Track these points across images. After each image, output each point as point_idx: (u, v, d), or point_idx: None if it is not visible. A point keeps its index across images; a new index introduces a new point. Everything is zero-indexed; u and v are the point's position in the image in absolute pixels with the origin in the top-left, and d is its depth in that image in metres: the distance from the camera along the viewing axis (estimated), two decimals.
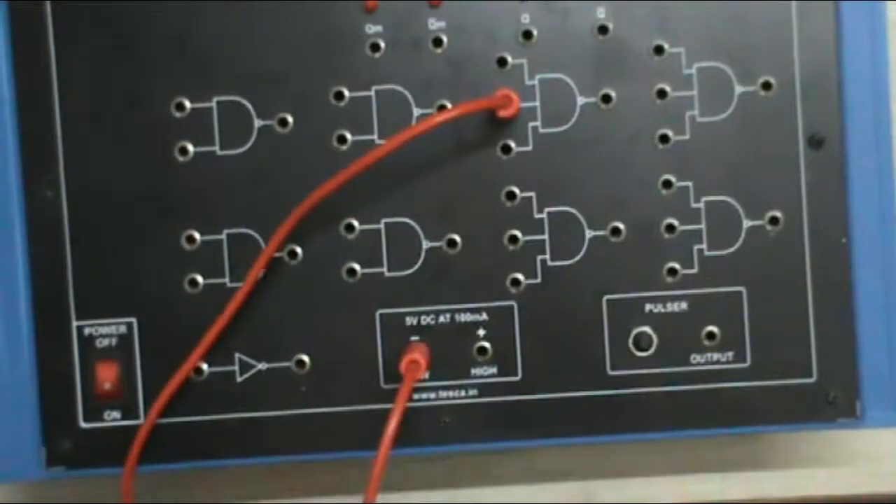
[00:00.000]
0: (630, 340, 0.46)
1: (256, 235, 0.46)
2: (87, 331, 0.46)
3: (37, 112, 0.46)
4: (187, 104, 0.46)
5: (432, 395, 0.46)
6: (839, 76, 0.45)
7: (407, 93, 0.46)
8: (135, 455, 0.45)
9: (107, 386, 0.46)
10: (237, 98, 0.46)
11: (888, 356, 0.45)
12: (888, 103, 0.46)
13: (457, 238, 0.46)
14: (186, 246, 0.46)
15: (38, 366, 0.46)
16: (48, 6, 0.46)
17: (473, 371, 0.46)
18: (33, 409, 0.46)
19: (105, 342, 0.46)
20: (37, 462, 0.46)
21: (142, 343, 0.46)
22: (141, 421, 0.46)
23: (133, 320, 0.46)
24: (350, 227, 0.46)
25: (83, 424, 0.46)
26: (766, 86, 0.46)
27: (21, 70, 0.46)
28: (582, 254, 0.46)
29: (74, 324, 0.46)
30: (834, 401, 0.45)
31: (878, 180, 0.46)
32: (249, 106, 0.46)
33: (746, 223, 0.46)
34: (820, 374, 0.46)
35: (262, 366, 0.46)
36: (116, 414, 0.46)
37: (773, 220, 0.46)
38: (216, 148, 0.46)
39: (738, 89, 0.46)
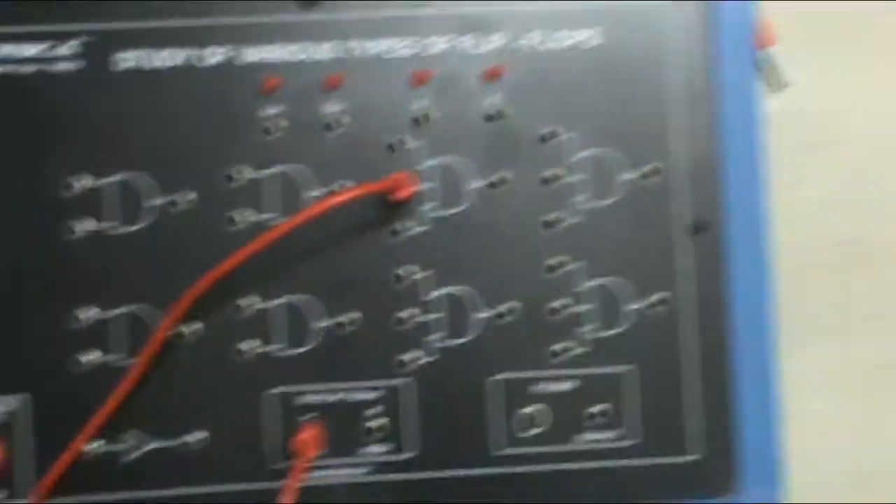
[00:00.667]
0: (517, 420, 0.47)
1: (151, 312, 0.46)
2: None
3: None
4: (79, 183, 0.46)
5: (325, 474, 0.46)
6: (720, 164, 0.47)
7: (303, 173, 0.47)
8: None
9: None
10: (130, 176, 0.46)
11: (765, 435, 0.47)
12: (765, 189, 0.48)
13: (351, 317, 0.47)
14: (77, 324, 0.46)
15: None
16: None
17: (367, 449, 0.47)
18: None
19: None
20: None
21: (32, 420, 0.46)
22: (28, 501, 0.45)
23: (24, 396, 0.46)
24: (244, 306, 0.46)
25: None
26: (652, 172, 0.47)
27: None
28: (473, 334, 0.47)
29: None
30: (716, 478, 0.47)
31: (758, 264, 0.48)
32: (143, 185, 0.46)
33: (633, 305, 0.47)
34: (702, 452, 0.47)
35: (154, 444, 0.46)
36: (3, 493, 0.46)
37: (659, 302, 0.47)
38: (109, 225, 0.46)
39: (625, 175, 0.47)
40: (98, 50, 0.46)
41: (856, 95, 0.54)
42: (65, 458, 0.45)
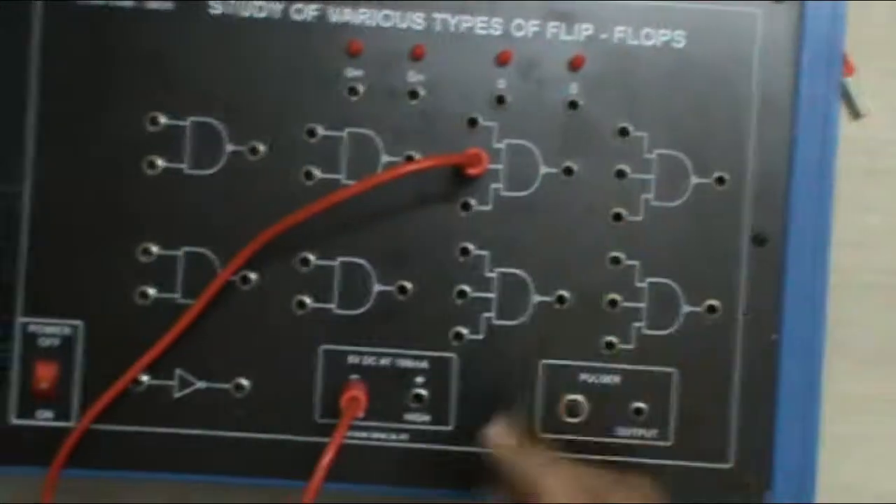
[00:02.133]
0: (561, 406, 0.47)
1: (213, 256, 0.47)
2: (31, 328, 0.47)
3: (12, 105, 0.46)
4: (162, 120, 0.47)
5: (364, 435, 0.47)
6: (788, 181, 0.48)
7: (379, 138, 0.47)
8: (62, 456, 0.45)
9: (43, 385, 0.46)
10: (212, 120, 0.47)
11: (801, 451, 0.47)
12: (829, 209, 0.48)
13: (408, 285, 0.47)
14: (143, 258, 0.47)
15: None
16: (38, 6, 0.46)
17: (407, 416, 0.47)
18: None
19: (48, 342, 0.47)
20: None
21: (85, 347, 0.47)
22: (73, 424, 0.46)
23: (79, 324, 0.47)
24: (305, 261, 0.47)
25: (14, 420, 0.46)
26: (720, 180, 0.48)
27: (3, 64, 0.46)
28: (526, 316, 0.47)
29: (19, 319, 0.47)
30: (746, 487, 0.47)
31: (812, 283, 0.48)
32: (223, 130, 0.47)
33: (685, 308, 0.48)
34: (736, 461, 0.47)
35: (201, 384, 0.47)
36: (49, 414, 0.47)
37: (711, 309, 0.48)
38: (185, 166, 0.47)
39: (694, 180, 0.48)
40: None
41: None
42: (114, 387, 0.46)
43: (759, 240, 0.48)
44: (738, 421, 0.48)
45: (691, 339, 0.48)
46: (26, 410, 0.46)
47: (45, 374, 0.46)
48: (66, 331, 0.47)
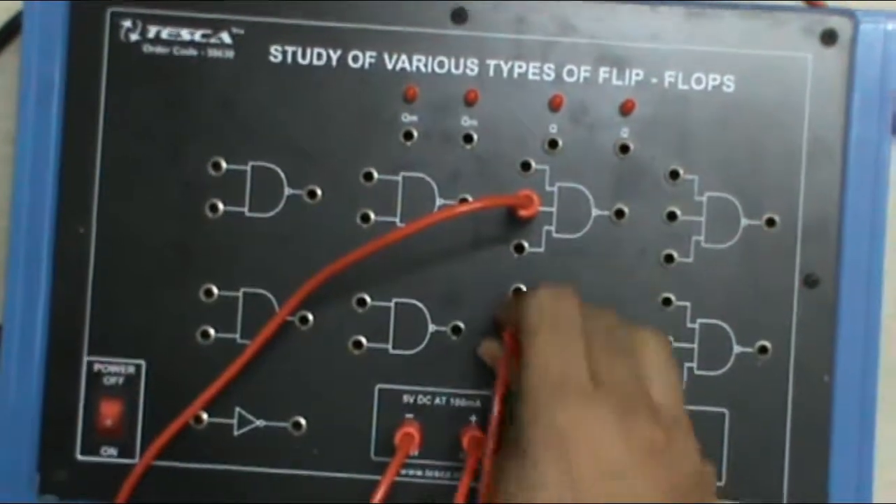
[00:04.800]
0: None
1: (271, 297, 0.48)
2: (96, 367, 0.48)
3: (80, 150, 0.48)
4: (223, 164, 0.48)
5: (419, 473, 0.48)
6: (840, 222, 0.48)
7: (433, 182, 0.48)
8: (126, 492, 0.47)
9: (108, 422, 0.48)
10: (272, 165, 0.48)
11: (856, 492, 0.47)
12: (882, 251, 0.48)
13: (461, 325, 0.48)
14: (204, 298, 0.48)
15: (44, 394, 0.48)
16: (105, 52, 0.48)
17: (462, 455, 0.48)
18: (34, 436, 0.47)
19: (112, 380, 0.48)
20: (30, 488, 0.47)
21: (147, 385, 0.48)
22: (136, 460, 0.47)
23: (142, 362, 0.48)
24: (362, 302, 0.48)
25: (80, 457, 0.48)
26: (770, 222, 0.48)
27: (71, 108, 0.48)
28: None
29: (85, 358, 0.48)
30: None
31: (865, 325, 0.48)
32: (282, 174, 0.48)
33: (737, 349, 0.48)
34: (790, 501, 0.48)
35: (259, 423, 0.48)
36: (113, 451, 0.48)
37: (762, 350, 0.48)
38: (245, 209, 0.48)
39: (744, 222, 0.48)
40: (254, 41, 0.48)
41: None
42: (175, 424, 0.47)
43: (810, 281, 0.48)
44: (791, 461, 0.48)
45: (743, 380, 0.48)
46: (91, 447, 0.48)
47: (110, 411, 0.48)
48: (130, 370, 0.48)
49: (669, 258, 0.48)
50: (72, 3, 0.48)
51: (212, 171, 0.48)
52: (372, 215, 0.48)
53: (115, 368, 0.48)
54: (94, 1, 0.48)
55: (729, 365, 0.48)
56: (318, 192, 0.48)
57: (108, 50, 0.48)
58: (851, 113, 0.48)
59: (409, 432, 0.46)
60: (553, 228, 0.48)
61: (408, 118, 0.48)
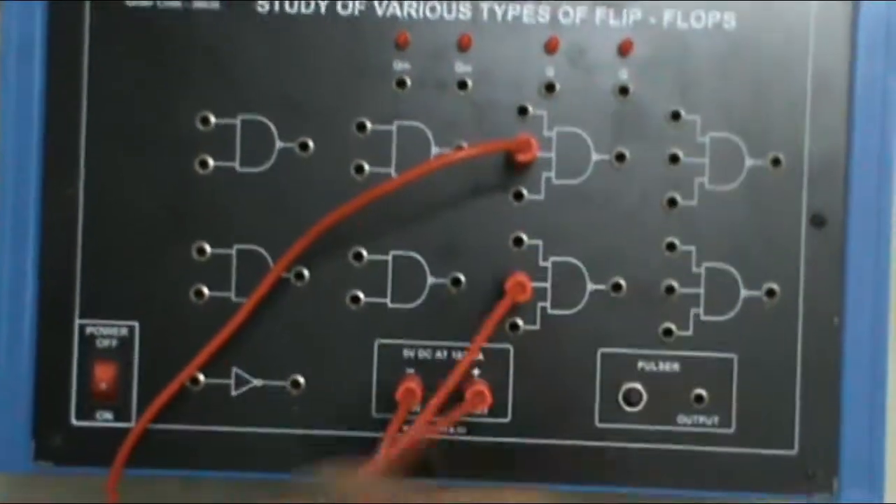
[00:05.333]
0: (620, 395, 0.47)
1: (266, 254, 0.47)
2: (88, 330, 0.47)
3: (65, 109, 0.47)
4: (212, 119, 0.47)
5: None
6: (847, 161, 0.47)
7: (428, 130, 0.47)
8: (123, 456, 0.46)
9: (102, 386, 0.47)
10: (261, 118, 0.47)
11: (869, 437, 0.46)
12: (891, 190, 0.47)
13: (461, 277, 0.47)
14: (196, 257, 0.47)
15: (36, 359, 0.47)
16: (87, 7, 0.47)
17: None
18: (27, 402, 0.47)
19: (105, 343, 0.47)
20: (25, 455, 0.46)
21: (142, 347, 0.47)
22: (132, 424, 0.46)
23: (135, 324, 0.47)
24: (358, 256, 0.47)
25: (75, 422, 0.47)
26: (776, 162, 0.47)
27: (54, 66, 0.47)
28: (581, 305, 0.47)
29: (77, 322, 0.47)
30: (812, 476, 0.46)
31: (874, 265, 0.47)
32: (272, 127, 0.47)
33: (744, 293, 0.47)
34: (801, 449, 0.47)
35: (257, 382, 0.47)
36: (109, 415, 0.47)
37: (770, 293, 0.47)
38: (236, 164, 0.47)
39: (749, 162, 0.47)
40: None
41: None
42: (171, 387, 0.46)
43: (818, 221, 0.47)
44: (801, 407, 0.47)
45: (751, 324, 0.47)
46: (86, 412, 0.47)
47: (104, 375, 0.47)
48: (123, 332, 0.47)
49: (672, 202, 0.47)
50: None
51: (200, 126, 0.47)
52: (366, 166, 0.47)
53: (108, 331, 0.47)
54: None
55: (737, 309, 0.47)
56: (310, 144, 0.47)
57: (89, 4, 0.47)
58: (857, 48, 0.47)
59: (411, 387, 0.45)
60: (553, 174, 0.47)
61: (400, 66, 0.47)
